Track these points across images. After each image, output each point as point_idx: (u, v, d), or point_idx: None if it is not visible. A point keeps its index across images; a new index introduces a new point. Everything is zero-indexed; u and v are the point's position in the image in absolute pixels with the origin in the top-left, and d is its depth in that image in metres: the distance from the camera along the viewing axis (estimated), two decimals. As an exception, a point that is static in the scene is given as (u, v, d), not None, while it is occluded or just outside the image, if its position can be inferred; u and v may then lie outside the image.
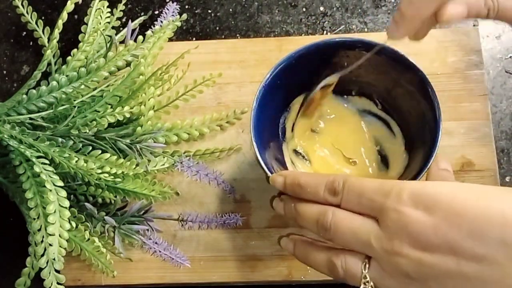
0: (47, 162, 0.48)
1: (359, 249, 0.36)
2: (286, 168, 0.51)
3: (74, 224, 0.49)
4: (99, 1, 0.61)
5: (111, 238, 0.53)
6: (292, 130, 0.53)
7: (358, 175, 0.52)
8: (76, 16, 0.66)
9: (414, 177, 0.42)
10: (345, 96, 0.54)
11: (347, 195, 0.36)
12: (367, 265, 0.36)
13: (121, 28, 0.62)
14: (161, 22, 0.59)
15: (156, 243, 0.52)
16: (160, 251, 0.52)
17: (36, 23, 0.61)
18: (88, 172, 0.48)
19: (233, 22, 0.65)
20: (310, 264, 0.40)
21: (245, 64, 0.60)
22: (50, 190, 0.46)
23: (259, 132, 0.48)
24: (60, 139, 0.50)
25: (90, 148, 0.50)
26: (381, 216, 0.34)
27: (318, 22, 0.64)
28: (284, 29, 0.64)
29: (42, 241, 0.46)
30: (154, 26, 0.59)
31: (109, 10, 0.61)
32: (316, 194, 0.38)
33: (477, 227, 0.31)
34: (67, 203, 0.46)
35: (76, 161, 0.48)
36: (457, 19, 0.41)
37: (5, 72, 0.65)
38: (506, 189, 0.34)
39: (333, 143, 0.53)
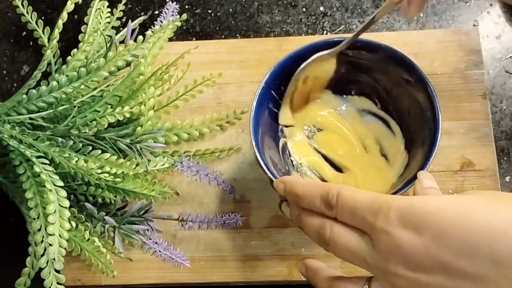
0: (47, 162, 0.48)
1: (358, 265, 0.36)
2: (286, 170, 0.51)
3: (74, 224, 0.49)
4: (99, 1, 0.61)
5: (111, 238, 0.53)
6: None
7: (358, 175, 0.52)
8: (76, 16, 0.66)
9: (414, 177, 0.42)
10: (345, 96, 0.54)
11: (341, 209, 0.36)
12: None
13: (121, 28, 0.62)
14: (161, 22, 0.59)
15: (156, 243, 0.52)
16: (160, 251, 0.52)
17: (36, 23, 0.61)
18: (88, 172, 0.48)
19: (233, 22, 0.65)
20: None
21: (245, 64, 0.60)
22: (50, 190, 0.46)
23: (259, 132, 0.48)
24: (60, 139, 0.50)
25: (90, 148, 0.50)
26: (373, 236, 0.34)
27: (318, 22, 0.64)
28: (284, 29, 0.64)
29: (42, 241, 0.46)
30: (154, 26, 0.59)
31: (109, 10, 0.61)
32: (313, 206, 0.38)
33: (466, 245, 0.31)
34: (67, 203, 0.46)
35: (76, 161, 0.48)
36: None
37: (5, 72, 0.65)
38: (493, 196, 0.33)
39: (332, 144, 0.54)
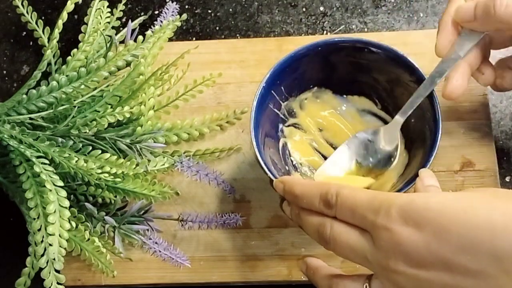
0: (47, 162, 0.48)
1: (359, 263, 0.36)
2: (286, 170, 0.51)
3: (74, 224, 0.49)
4: (99, 1, 0.61)
5: (111, 238, 0.53)
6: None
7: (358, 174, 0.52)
8: (76, 16, 0.66)
9: (414, 177, 0.42)
10: (345, 96, 0.54)
11: (341, 209, 0.36)
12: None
13: (121, 28, 0.62)
14: (161, 22, 0.58)
15: (156, 243, 0.52)
16: (160, 251, 0.52)
17: (36, 23, 0.61)
18: (88, 172, 0.48)
19: (233, 22, 0.65)
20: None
21: (245, 64, 0.60)
22: (50, 190, 0.46)
23: (259, 132, 0.48)
24: (60, 139, 0.50)
25: (90, 148, 0.50)
26: (373, 234, 0.34)
27: (318, 22, 0.64)
28: (284, 29, 0.64)
29: (42, 241, 0.46)
30: (154, 26, 0.59)
31: (109, 10, 0.61)
32: (312, 205, 0.38)
33: (467, 242, 0.31)
34: (67, 203, 0.46)
35: (76, 161, 0.48)
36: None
37: (5, 72, 0.65)
38: (494, 193, 0.33)
39: (332, 143, 0.54)
